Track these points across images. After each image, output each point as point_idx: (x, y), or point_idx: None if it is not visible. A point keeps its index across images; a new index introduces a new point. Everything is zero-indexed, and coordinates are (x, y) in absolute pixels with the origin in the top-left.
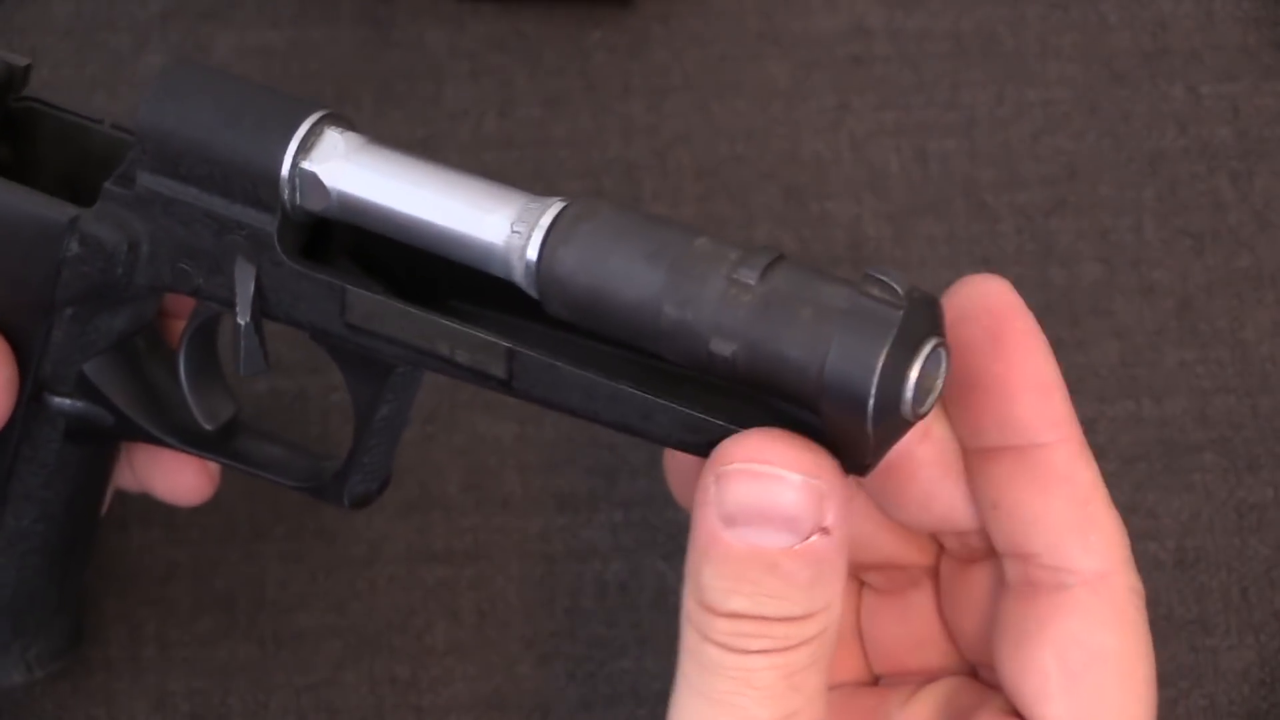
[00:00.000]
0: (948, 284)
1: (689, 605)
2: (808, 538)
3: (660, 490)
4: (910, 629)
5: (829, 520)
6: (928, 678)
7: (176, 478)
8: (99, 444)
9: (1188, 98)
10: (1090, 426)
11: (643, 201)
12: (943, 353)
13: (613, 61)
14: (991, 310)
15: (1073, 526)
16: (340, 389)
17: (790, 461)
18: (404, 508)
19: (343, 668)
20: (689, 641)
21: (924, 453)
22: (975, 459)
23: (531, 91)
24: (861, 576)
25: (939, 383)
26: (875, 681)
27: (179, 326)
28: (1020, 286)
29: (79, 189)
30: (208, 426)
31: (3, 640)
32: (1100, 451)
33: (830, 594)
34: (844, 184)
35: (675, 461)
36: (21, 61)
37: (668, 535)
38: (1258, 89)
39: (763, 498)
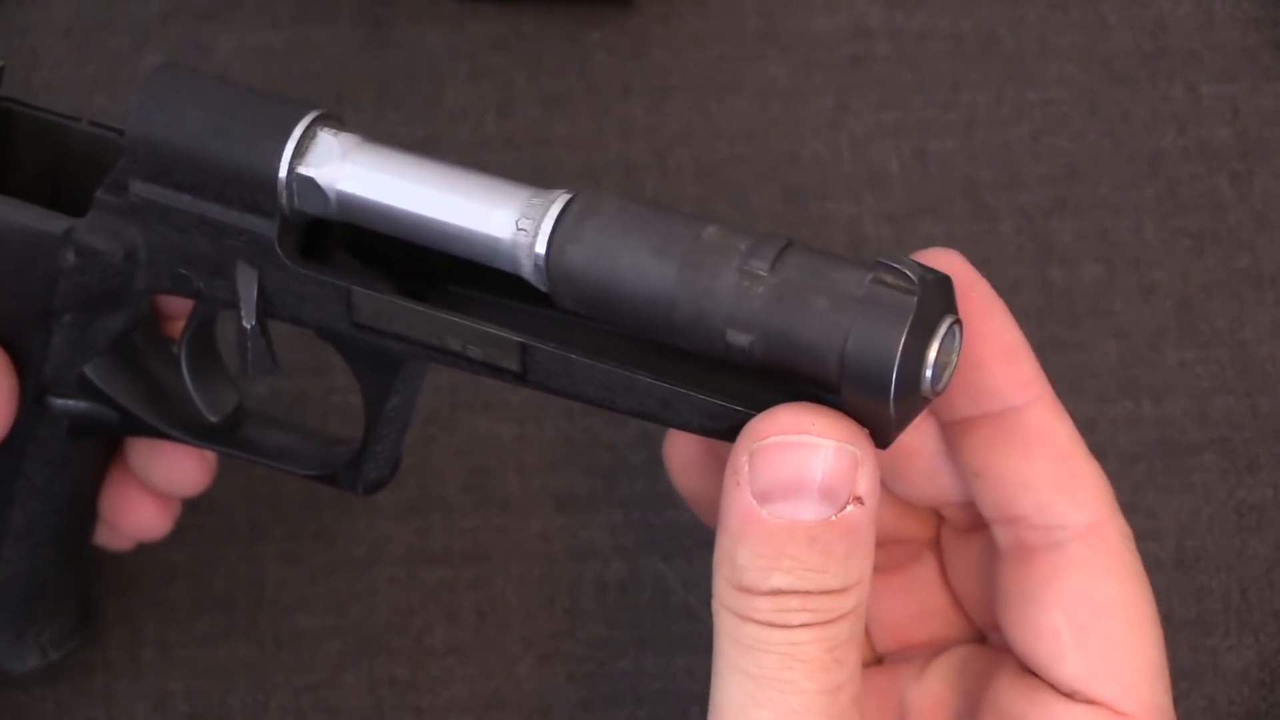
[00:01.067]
0: None
1: (721, 590)
2: (843, 508)
3: (660, 490)
4: (916, 602)
5: (862, 489)
6: (936, 649)
7: (176, 468)
8: (103, 438)
9: (1188, 98)
10: (1090, 426)
11: None
12: (957, 329)
13: (612, 62)
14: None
15: (1058, 483)
16: (340, 390)
17: (823, 430)
18: (404, 509)
19: (342, 668)
20: (725, 626)
21: (928, 428)
22: (952, 431)
23: (531, 92)
24: None
25: (954, 358)
26: (879, 661)
27: (171, 323)
28: (1020, 286)
29: (59, 186)
30: (213, 418)
31: (18, 629)
32: (1100, 451)
33: (865, 566)
34: (844, 184)
35: (677, 450)
36: None
37: (667, 535)
38: (1258, 89)
39: (798, 468)
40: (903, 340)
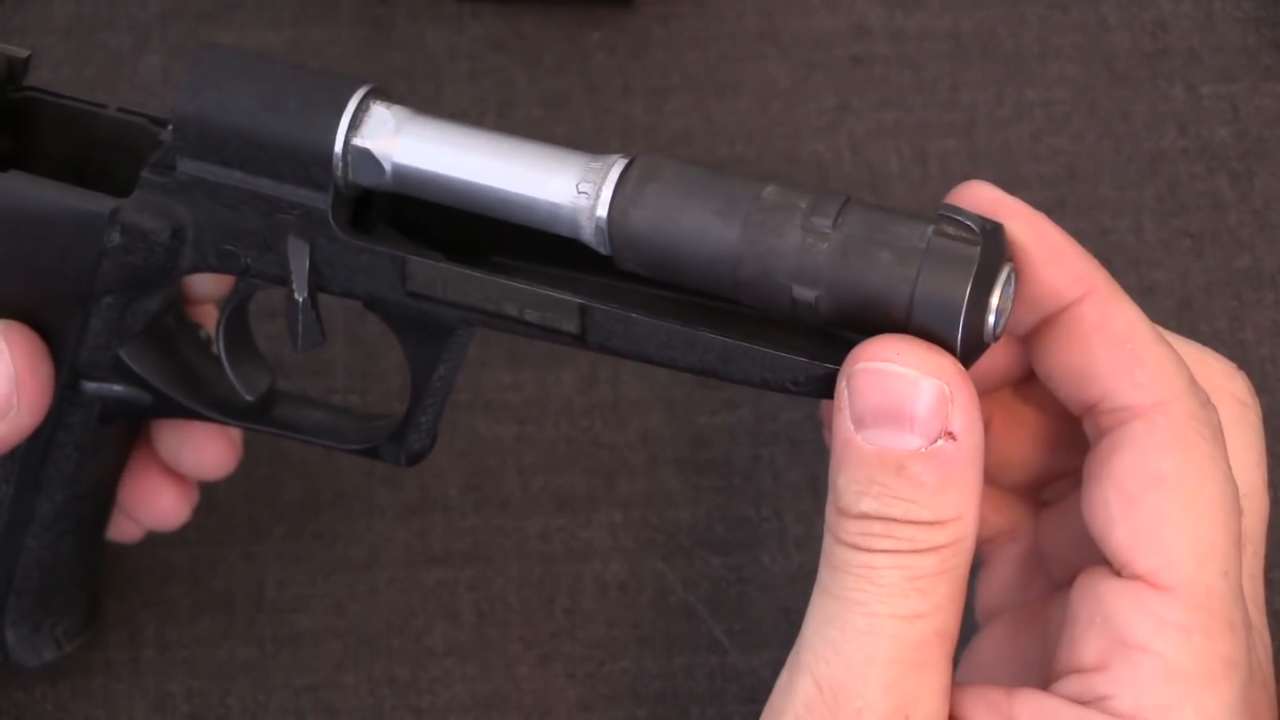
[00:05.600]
0: None
1: (827, 512)
2: (934, 441)
3: (660, 490)
4: (1074, 528)
5: (955, 425)
6: None
7: (205, 450)
8: (131, 422)
9: (1188, 98)
10: None
11: None
12: (1013, 275)
13: (613, 62)
14: (984, 202)
15: (1117, 369)
16: (340, 391)
17: (916, 361)
18: (404, 510)
19: (342, 669)
20: (825, 546)
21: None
22: (1022, 347)
23: (531, 92)
24: (1040, 495)
25: (1010, 303)
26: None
27: (193, 306)
28: None
29: (85, 174)
30: (249, 398)
31: (34, 621)
32: None
33: (962, 504)
34: (844, 184)
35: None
36: (22, 54)
37: (667, 535)
38: (1258, 89)
39: (889, 397)
40: (969, 289)
